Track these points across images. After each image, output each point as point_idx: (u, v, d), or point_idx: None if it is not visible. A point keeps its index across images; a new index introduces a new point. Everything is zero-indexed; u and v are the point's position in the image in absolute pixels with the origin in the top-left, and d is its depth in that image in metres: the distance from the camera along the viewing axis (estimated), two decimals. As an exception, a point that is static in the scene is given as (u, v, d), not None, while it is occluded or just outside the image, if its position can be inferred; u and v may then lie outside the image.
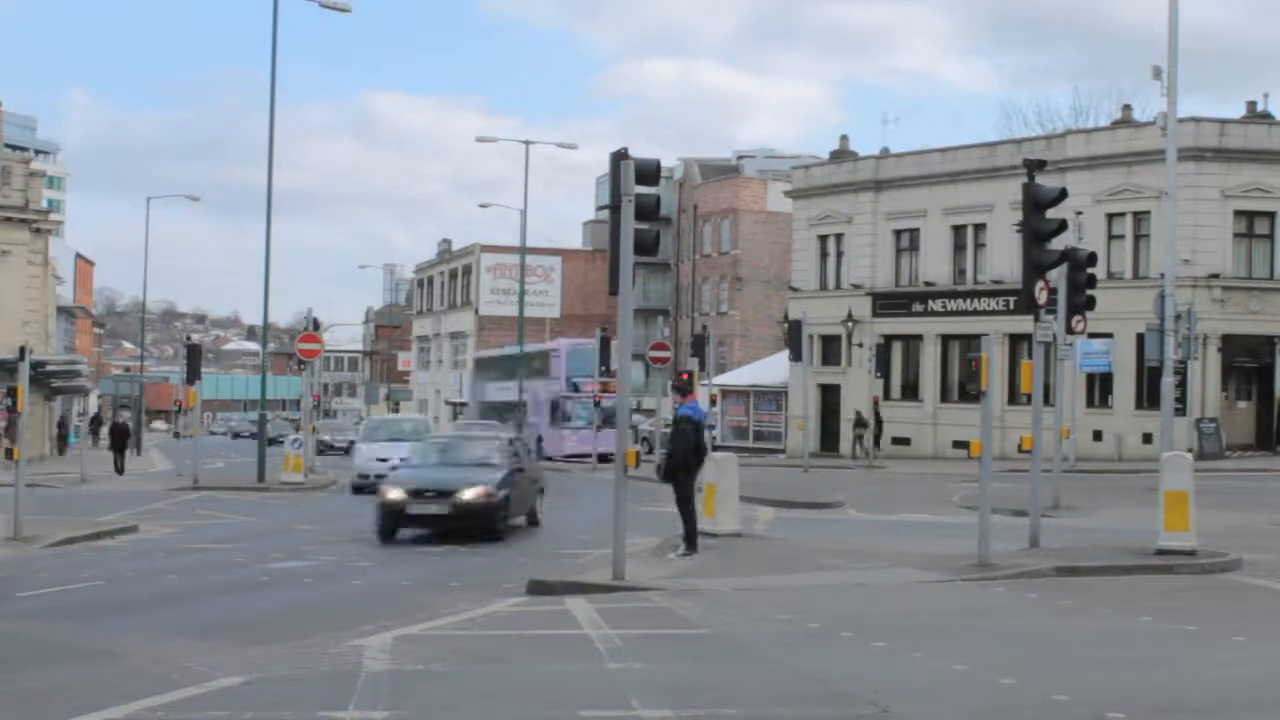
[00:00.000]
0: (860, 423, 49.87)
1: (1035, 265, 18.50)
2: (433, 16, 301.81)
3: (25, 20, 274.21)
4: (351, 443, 52.91)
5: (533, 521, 25.09)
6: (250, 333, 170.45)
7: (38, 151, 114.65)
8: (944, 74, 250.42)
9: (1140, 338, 36.83)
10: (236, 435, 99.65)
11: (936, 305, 51.30)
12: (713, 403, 50.67)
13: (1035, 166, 18.79)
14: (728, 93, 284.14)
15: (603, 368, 48.23)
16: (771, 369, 59.43)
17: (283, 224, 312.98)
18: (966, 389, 46.76)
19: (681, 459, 18.28)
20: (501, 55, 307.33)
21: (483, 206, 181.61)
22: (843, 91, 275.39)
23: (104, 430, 71.98)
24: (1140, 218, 45.38)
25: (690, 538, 18.26)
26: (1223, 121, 45.14)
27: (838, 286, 54.63)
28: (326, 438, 60.61)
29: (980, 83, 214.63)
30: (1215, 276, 43.41)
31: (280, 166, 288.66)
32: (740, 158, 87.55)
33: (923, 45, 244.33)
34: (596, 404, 48.83)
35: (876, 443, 47.92)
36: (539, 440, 52.35)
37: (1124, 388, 44.88)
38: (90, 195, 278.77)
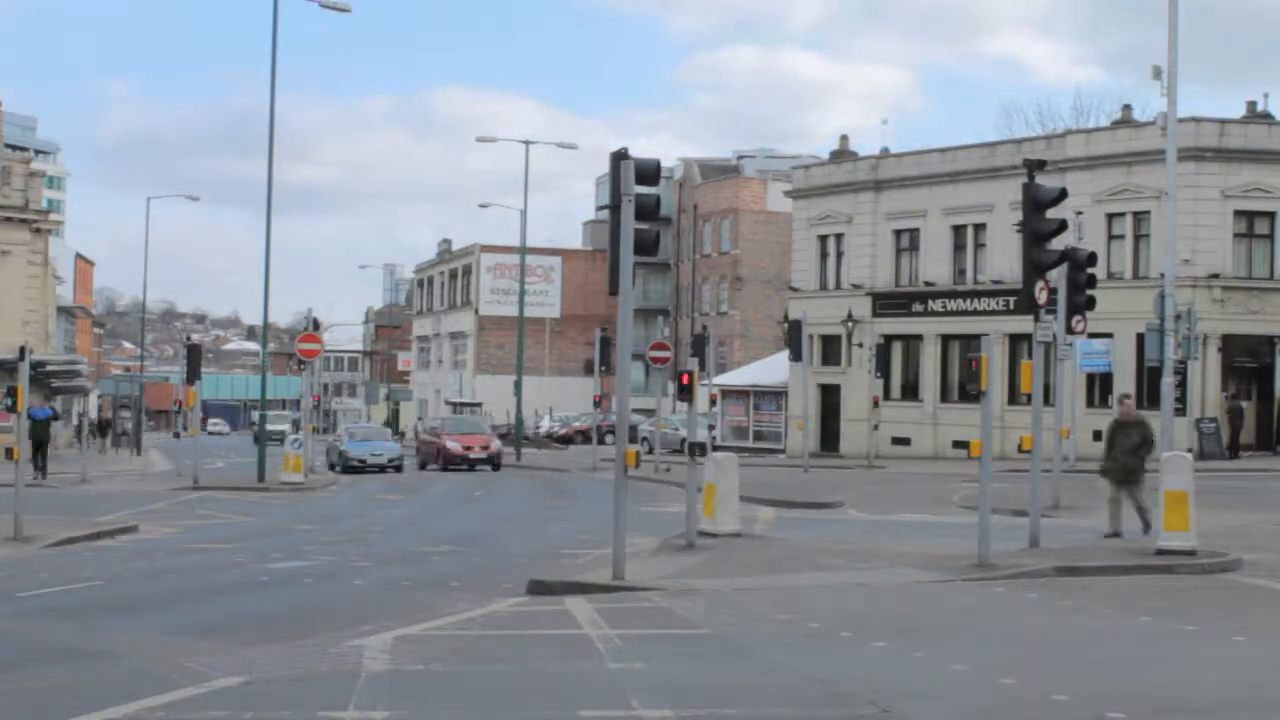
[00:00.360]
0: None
1: (1035, 265, 18.51)
2: (499, 5, 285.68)
3: (59, 10, 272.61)
4: None
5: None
6: (250, 333, 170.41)
7: (38, 151, 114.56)
8: (1032, 58, 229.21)
9: (1140, 338, 36.81)
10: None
11: (936, 305, 51.27)
12: (713, 403, 50.68)
13: (1035, 166, 18.80)
14: (808, 80, 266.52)
15: (603, 367, 48.25)
16: (771, 369, 59.39)
17: (319, 221, 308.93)
18: (966, 389, 46.73)
19: None
20: (576, 45, 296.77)
21: (483, 206, 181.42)
22: (925, 77, 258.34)
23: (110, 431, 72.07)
24: (1140, 218, 45.34)
25: None
26: (1223, 121, 45.10)
27: (838, 286, 54.59)
28: None
29: (1073, 67, 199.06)
30: (1215, 276, 43.38)
31: (321, 161, 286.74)
32: (740, 158, 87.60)
33: (1013, 27, 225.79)
34: None
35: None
36: None
37: (1124, 388, 44.71)
38: (98, 191, 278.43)
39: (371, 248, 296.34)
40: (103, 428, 69.29)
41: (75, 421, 64.81)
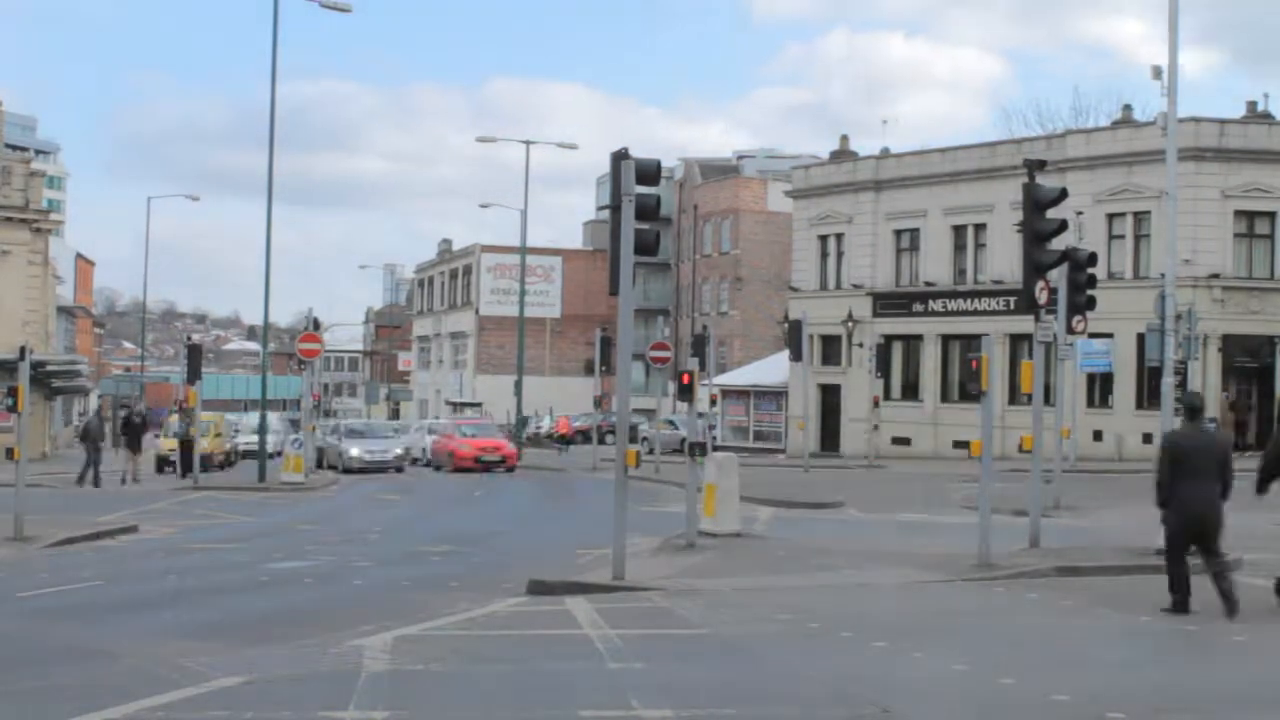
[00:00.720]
0: None
1: (1035, 265, 18.51)
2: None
3: (61, 8, 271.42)
4: None
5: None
6: (251, 333, 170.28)
7: (38, 151, 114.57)
8: (1121, 38, 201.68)
9: (1140, 338, 36.78)
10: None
11: (937, 305, 51.28)
12: (713, 403, 50.67)
13: (1035, 166, 18.80)
14: (899, 69, 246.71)
15: (603, 367, 48.25)
16: (771, 369, 59.41)
17: (341, 218, 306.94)
18: (967, 389, 46.68)
19: None
20: (659, 35, 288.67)
21: (483, 206, 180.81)
22: (1019, 64, 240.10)
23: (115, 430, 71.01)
24: (1140, 218, 45.36)
25: None
26: (1223, 121, 45.12)
27: (838, 286, 54.62)
28: None
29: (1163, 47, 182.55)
30: (1215, 276, 43.39)
31: (362, 154, 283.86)
32: (740, 158, 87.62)
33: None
34: None
35: None
36: None
37: (1124, 388, 44.87)
38: (99, 191, 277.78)
39: (389, 244, 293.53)
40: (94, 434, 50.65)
41: (75, 421, 64.46)
